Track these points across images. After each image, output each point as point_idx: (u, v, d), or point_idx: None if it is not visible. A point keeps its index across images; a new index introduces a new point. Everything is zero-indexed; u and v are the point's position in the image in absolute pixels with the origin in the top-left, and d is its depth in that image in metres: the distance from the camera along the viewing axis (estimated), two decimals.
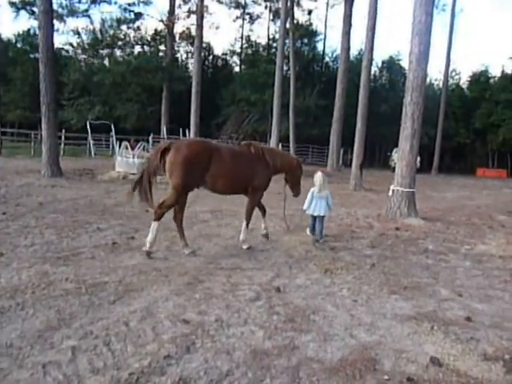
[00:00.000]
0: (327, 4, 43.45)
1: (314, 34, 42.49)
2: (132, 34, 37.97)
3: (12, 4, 28.35)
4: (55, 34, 25.31)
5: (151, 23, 73.05)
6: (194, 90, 21.92)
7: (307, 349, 3.32)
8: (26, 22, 60.39)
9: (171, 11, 34.60)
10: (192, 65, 39.07)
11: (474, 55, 72.51)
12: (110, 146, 28.39)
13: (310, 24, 42.00)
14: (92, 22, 37.06)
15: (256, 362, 3.11)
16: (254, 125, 37.26)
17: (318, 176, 7.05)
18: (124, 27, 36.83)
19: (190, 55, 44.38)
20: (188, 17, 33.19)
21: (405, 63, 41.34)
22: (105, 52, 38.51)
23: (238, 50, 46.75)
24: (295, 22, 34.71)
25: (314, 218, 7.01)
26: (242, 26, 45.86)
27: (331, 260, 5.75)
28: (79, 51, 38.41)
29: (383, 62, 43.41)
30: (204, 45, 36.52)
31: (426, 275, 5.36)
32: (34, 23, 38.29)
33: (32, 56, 40.32)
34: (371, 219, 9.39)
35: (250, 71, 38.41)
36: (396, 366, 3.17)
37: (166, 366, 3.01)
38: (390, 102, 37.26)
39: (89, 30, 36.28)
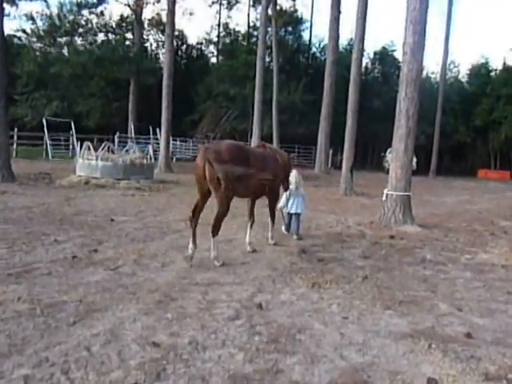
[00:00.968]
0: None
1: (300, 21, 42.88)
2: (94, 19, 37.72)
3: None
4: (6, 19, 24.91)
5: (116, 8, 72.87)
6: (165, 84, 21.84)
7: (292, 372, 3.33)
8: None
9: None
10: (163, 55, 38.91)
11: (474, 46, 74.23)
12: (70, 147, 28.05)
13: (295, 10, 42.38)
14: (48, 6, 36.35)
15: None
16: (233, 122, 37.37)
17: (294, 174, 7.88)
18: (85, 12, 36.67)
19: (160, 44, 44.25)
20: (158, 1, 33.26)
21: (399, 54, 42.06)
22: (63, 40, 38.06)
23: (215, 39, 46.89)
24: (278, 7, 35.00)
25: (291, 215, 7.95)
26: (218, 12, 45.99)
27: (319, 273, 5.78)
28: (34, 39, 37.85)
29: (375, 54, 44.04)
30: (176, 33, 36.47)
31: (423, 288, 5.44)
32: None
33: None
34: (363, 227, 9.49)
35: (229, 62, 38.50)
36: None
37: None
38: (383, 97, 37.76)
39: (45, 15, 35.95)
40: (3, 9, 13.62)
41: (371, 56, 44.24)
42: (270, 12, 27.76)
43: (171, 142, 25.93)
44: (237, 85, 36.30)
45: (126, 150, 18.37)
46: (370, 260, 6.67)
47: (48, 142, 26.64)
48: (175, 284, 5.05)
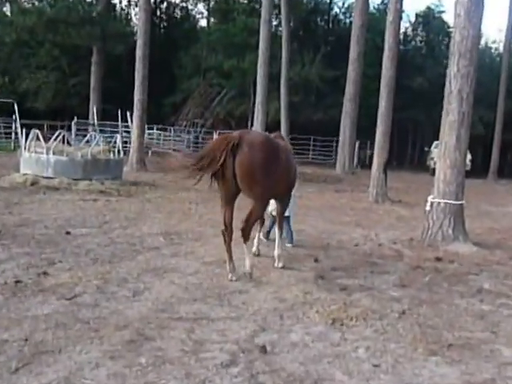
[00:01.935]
0: None
1: None
2: None
3: None
4: None
5: None
6: (139, 54, 21.96)
7: None
8: None
9: None
10: (136, 16, 39.13)
11: None
12: (13, 136, 28.15)
13: None
14: None
15: None
16: (228, 105, 37.42)
17: None
18: None
19: (133, 2, 44.44)
20: None
21: (449, 17, 42.23)
22: None
23: None
24: None
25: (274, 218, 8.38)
26: None
27: (342, 305, 5.79)
28: None
29: (418, 16, 44.24)
30: None
31: (480, 327, 5.44)
32: None
33: None
34: (400, 245, 9.49)
35: (223, 27, 38.75)
36: None
37: None
38: (427, 74, 37.91)
39: None
40: None
41: (412, 19, 44.53)
42: None
43: (146, 130, 26.06)
44: (233, 56, 36.49)
45: (87, 141, 18.45)
46: (409, 289, 6.67)
47: None
48: (151, 319, 5.06)
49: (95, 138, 18.85)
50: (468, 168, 10.98)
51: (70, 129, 28.08)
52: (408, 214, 13.75)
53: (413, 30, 44.59)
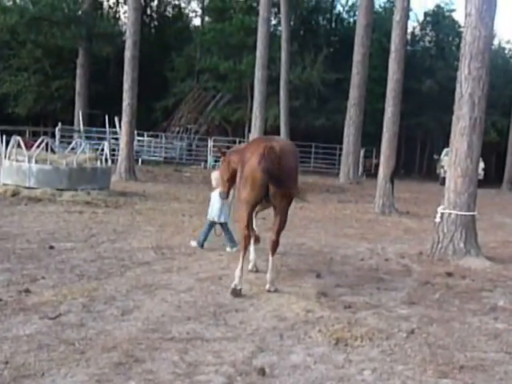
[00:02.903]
0: None
1: None
2: None
3: None
4: None
5: None
6: (128, 55, 21.99)
7: None
8: None
9: None
10: (125, 15, 39.27)
11: None
12: None
13: None
14: None
15: None
16: (223, 110, 37.56)
17: (217, 175, 9.09)
18: None
19: (121, 0, 44.61)
20: None
21: (460, 16, 42.44)
22: None
23: None
24: None
25: (214, 225, 9.16)
26: None
27: (346, 325, 5.79)
28: None
29: (426, 15, 44.43)
30: None
31: (494, 347, 5.45)
32: None
33: None
34: (408, 260, 9.50)
35: (218, 26, 38.81)
36: None
37: None
38: (437, 77, 38.05)
39: None
40: None
41: (420, 18, 44.66)
42: None
43: (136, 137, 26.05)
44: (229, 57, 36.57)
45: (72, 149, 18.42)
46: (417, 307, 6.67)
47: None
48: (141, 339, 5.05)
49: (81, 145, 18.83)
50: (480, 177, 11.02)
51: (53, 135, 28.03)
52: (416, 226, 13.76)
53: (421, 30, 44.73)
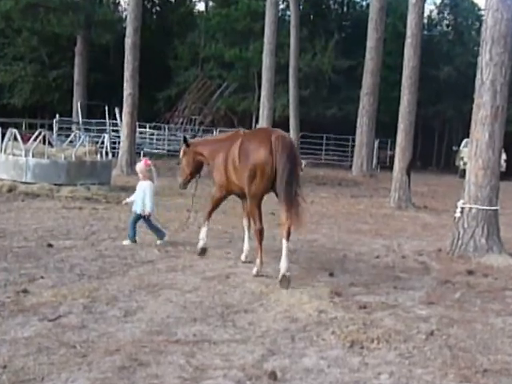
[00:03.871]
0: None
1: None
2: None
3: None
4: None
5: None
6: (128, 43, 22.00)
7: None
8: None
9: None
10: (125, 1, 39.25)
11: None
12: None
13: None
14: None
15: None
16: (229, 100, 37.51)
17: (147, 165, 9.54)
18: None
19: None
20: None
21: None
22: None
23: None
24: None
25: (141, 218, 9.28)
26: None
27: (361, 326, 5.78)
28: None
29: None
30: None
31: None
32: None
33: None
34: (426, 257, 9.47)
35: (223, 11, 38.75)
36: None
37: None
38: (455, 63, 37.87)
39: None
40: None
41: (437, 1, 44.37)
42: None
43: (138, 129, 26.05)
44: (235, 44, 36.53)
45: (71, 142, 18.47)
46: (437, 307, 6.65)
47: None
48: (145, 342, 5.05)
49: (80, 137, 18.90)
50: (503, 169, 10.94)
51: (51, 128, 28.11)
52: (435, 222, 13.73)
53: (438, 14, 44.51)
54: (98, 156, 16.26)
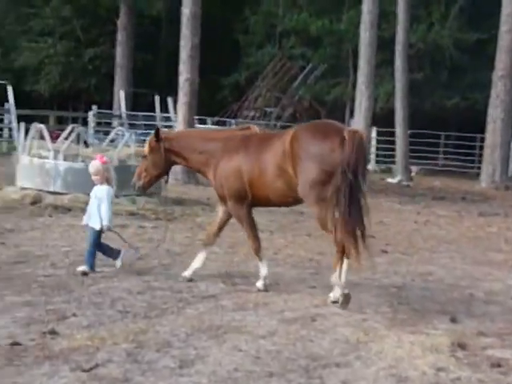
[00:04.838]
0: None
1: None
2: None
3: None
4: None
5: None
6: (186, 13, 22.20)
7: None
8: None
9: None
10: None
11: None
12: (5, 133, 28.83)
13: None
14: None
15: None
16: (315, 87, 37.36)
17: (104, 162, 9.64)
18: None
19: None
20: None
21: None
22: None
23: None
24: None
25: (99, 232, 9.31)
26: None
27: None
28: None
29: None
30: None
31: None
32: None
33: None
34: None
35: None
36: None
37: None
38: None
39: None
40: None
41: None
42: None
43: (196, 124, 26.27)
44: (324, 14, 36.41)
45: (112, 140, 18.71)
46: None
47: None
48: None
49: (123, 135, 19.13)
50: None
51: (86, 122, 28.61)
52: None
53: None
54: None
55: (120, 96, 34.82)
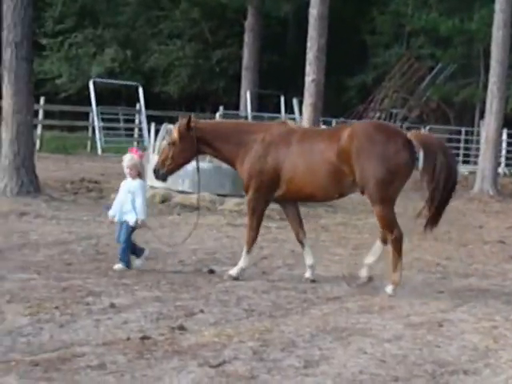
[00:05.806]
0: None
1: None
2: None
3: None
4: None
5: None
6: (314, 14, 22.09)
7: None
8: None
9: None
10: None
11: None
12: (136, 132, 29.43)
13: None
14: None
15: None
16: (444, 88, 36.74)
17: (141, 156, 9.82)
18: None
19: None
20: None
21: None
22: None
23: None
24: None
25: (133, 229, 9.33)
26: None
27: None
28: None
29: None
30: None
31: None
32: None
33: None
34: None
35: None
36: None
37: None
38: None
39: None
40: None
41: None
42: None
43: (321, 125, 26.20)
44: (454, 13, 35.71)
45: None
46: None
47: (96, 124, 28.26)
48: None
49: None
50: None
51: None
52: None
53: None
54: None
55: (246, 97, 35.08)
